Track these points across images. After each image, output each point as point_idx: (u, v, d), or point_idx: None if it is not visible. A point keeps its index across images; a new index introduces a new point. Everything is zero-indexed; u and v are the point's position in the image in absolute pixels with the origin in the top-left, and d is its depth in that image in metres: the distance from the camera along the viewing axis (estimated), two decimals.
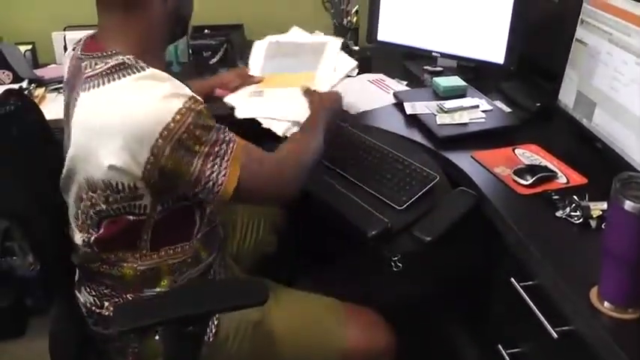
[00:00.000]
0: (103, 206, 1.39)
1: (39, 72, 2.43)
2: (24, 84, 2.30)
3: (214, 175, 1.35)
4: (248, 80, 1.95)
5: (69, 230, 1.53)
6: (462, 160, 1.80)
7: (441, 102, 2.05)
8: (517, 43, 2.23)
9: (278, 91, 1.88)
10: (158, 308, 1.41)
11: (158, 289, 1.50)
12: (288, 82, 1.89)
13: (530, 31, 2.23)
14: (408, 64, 2.52)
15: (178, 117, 1.29)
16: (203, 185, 1.36)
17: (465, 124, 1.95)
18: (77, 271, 1.57)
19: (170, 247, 1.48)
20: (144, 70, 1.34)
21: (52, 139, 1.69)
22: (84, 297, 1.54)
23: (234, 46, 2.48)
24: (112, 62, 1.34)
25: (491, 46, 2.27)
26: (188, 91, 1.35)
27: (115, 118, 1.29)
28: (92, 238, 1.45)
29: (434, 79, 2.23)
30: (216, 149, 1.35)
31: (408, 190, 1.67)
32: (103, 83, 1.33)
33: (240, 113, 1.83)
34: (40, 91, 2.31)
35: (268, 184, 1.47)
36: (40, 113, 1.69)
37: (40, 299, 2.45)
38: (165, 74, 1.36)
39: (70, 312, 1.58)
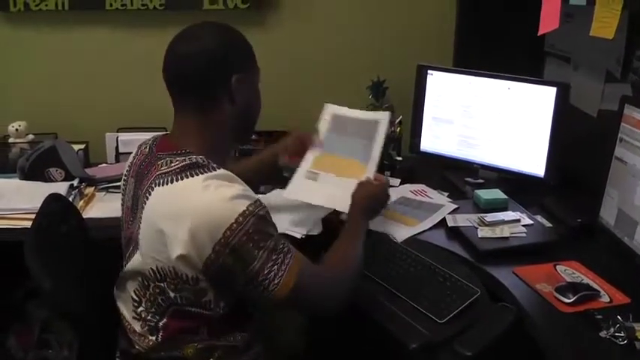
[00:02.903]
0: (172, 294, 1.46)
1: (90, 171, 2.51)
2: (75, 182, 2.37)
3: (269, 279, 1.41)
4: (309, 142, 2.04)
5: (121, 325, 1.59)
6: (503, 274, 1.80)
7: (483, 215, 2.07)
8: (557, 156, 2.26)
9: (332, 179, 2.00)
10: None
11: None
12: (341, 169, 2.01)
13: (571, 146, 2.27)
14: (450, 174, 2.55)
15: (241, 219, 1.37)
16: (257, 285, 1.41)
17: (506, 238, 1.96)
18: None
19: (228, 334, 1.54)
20: (214, 170, 1.44)
21: (91, 240, 1.77)
22: None
23: None
24: (186, 161, 1.45)
25: (532, 159, 2.32)
26: (253, 195, 1.44)
27: (185, 212, 1.37)
28: (155, 325, 1.51)
29: (475, 191, 2.26)
30: (274, 257, 1.42)
31: (449, 303, 1.68)
32: (176, 180, 1.42)
33: (291, 193, 2.00)
34: (89, 190, 2.37)
35: (319, 296, 1.55)
36: (80, 216, 1.82)
37: None
38: (233, 176, 1.46)
39: None
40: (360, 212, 1.82)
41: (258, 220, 1.39)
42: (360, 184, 1.89)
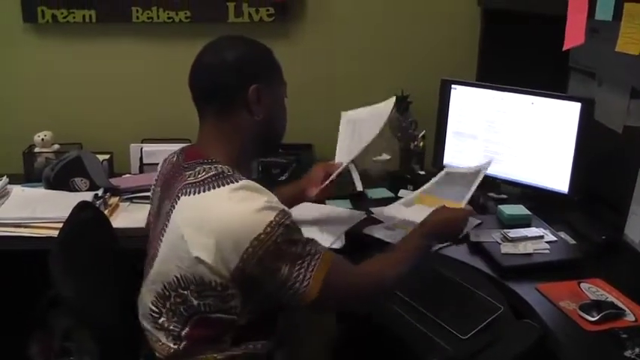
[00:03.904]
0: (195, 302, 1.46)
1: (114, 181, 2.53)
2: (99, 192, 2.38)
3: (298, 283, 1.42)
4: (331, 169, 2.01)
5: (143, 333, 1.60)
6: (527, 291, 1.79)
7: (506, 230, 2.06)
8: (581, 172, 2.25)
9: (426, 208, 1.89)
10: None
11: None
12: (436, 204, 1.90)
13: (595, 162, 2.26)
14: None
15: (269, 229, 1.38)
16: (286, 290, 1.43)
17: (529, 255, 1.95)
18: None
19: (250, 342, 1.54)
20: (239, 181, 1.45)
21: (120, 249, 1.78)
22: None
23: (303, 166, 2.54)
24: (212, 172, 1.47)
25: (556, 175, 2.30)
26: (279, 204, 1.45)
27: (211, 221, 1.39)
28: (178, 334, 1.51)
29: (498, 206, 2.26)
30: (300, 261, 1.43)
31: (472, 319, 1.67)
32: (203, 190, 1.44)
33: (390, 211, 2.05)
34: (114, 200, 2.39)
35: (348, 296, 1.55)
36: (109, 224, 1.85)
37: None
38: (259, 186, 1.47)
39: None
40: (423, 231, 1.73)
41: (285, 230, 1.41)
42: (442, 207, 1.81)
